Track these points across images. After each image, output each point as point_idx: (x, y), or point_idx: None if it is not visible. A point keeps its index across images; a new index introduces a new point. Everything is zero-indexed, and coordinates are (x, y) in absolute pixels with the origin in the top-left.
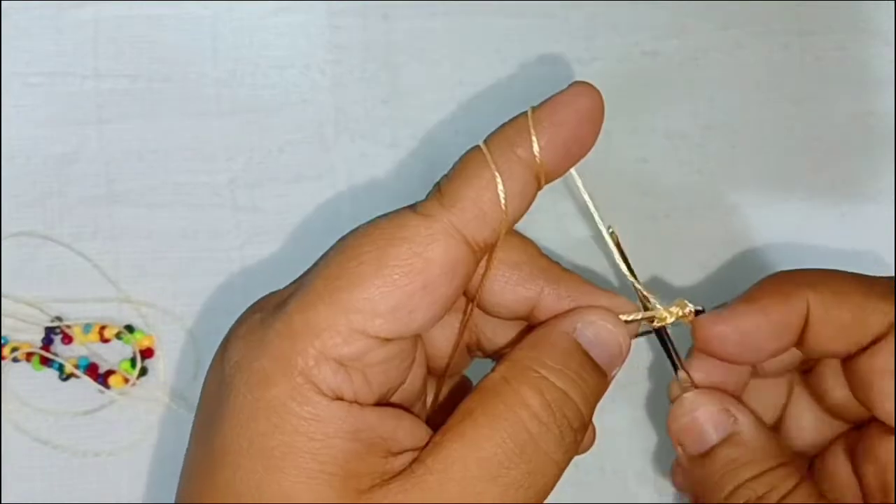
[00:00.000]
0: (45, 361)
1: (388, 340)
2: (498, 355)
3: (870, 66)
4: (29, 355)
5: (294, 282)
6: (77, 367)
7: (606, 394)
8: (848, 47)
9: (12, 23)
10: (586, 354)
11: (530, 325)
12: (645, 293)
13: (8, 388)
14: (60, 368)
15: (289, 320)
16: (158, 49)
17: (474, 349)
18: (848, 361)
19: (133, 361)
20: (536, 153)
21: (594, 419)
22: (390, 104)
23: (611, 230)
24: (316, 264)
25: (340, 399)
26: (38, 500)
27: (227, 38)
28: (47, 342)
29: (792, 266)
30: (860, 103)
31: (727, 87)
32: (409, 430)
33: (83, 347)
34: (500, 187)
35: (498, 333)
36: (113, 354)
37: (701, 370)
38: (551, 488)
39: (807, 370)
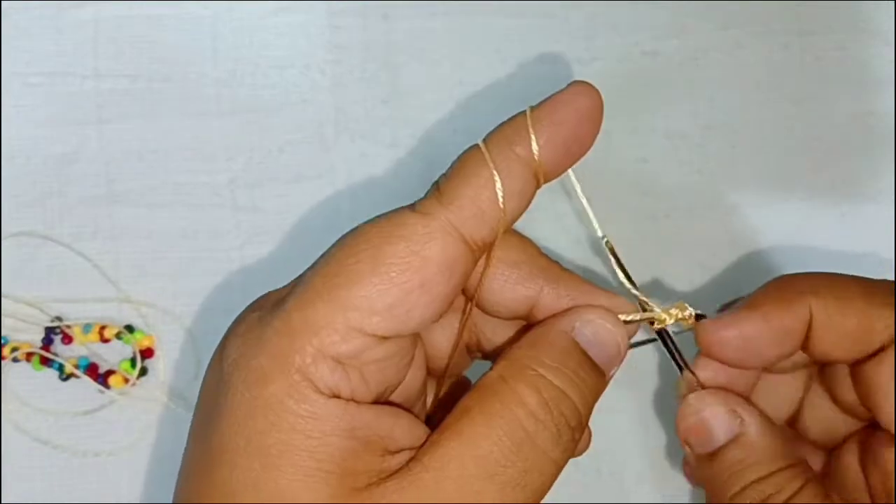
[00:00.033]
0: (45, 361)
1: (385, 338)
2: (497, 356)
3: (870, 66)
4: (29, 355)
5: (293, 280)
6: (77, 367)
7: (606, 394)
8: (848, 47)
9: (12, 23)
10: (584, 353)
11: (529, 325)
12: (643, 299)
13: (8, 388)
14: (60, 368)
15: (287, 318)
16: (158, 49)
17: (474, 350)
18: (854, 366)
19: (133, 361)
20: (535, 152)
21: (589, 422)
22: (390, 104)
23: (605, 239)
24: (315, 263)
25: (337, 397)
26: (38, 500)
27: (227, 38)
28: (47, 342)
29: (792, 266)
30: (860, 103)
31: (727, 87)
32: (407, 429)
33: (83, 347)
34: (499, 186)
35: (497, 334)
36: (113, 354)
37: (708, 370)
38: (549, 487)
39: (823, 365)
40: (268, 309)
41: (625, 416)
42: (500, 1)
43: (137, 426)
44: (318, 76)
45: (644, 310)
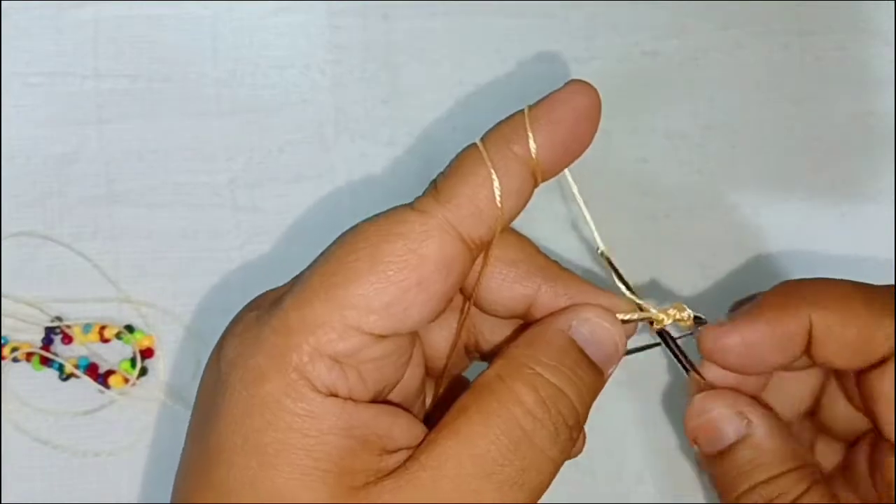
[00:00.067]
0: (45, 361)
1: (383, 337)
2: (495, 356)
3: (870, 66)
4: (29, 355)
5: (292, 280)
6: (77, 367)
7: (605, 394)
8: (848, 47)
9: (12, 23)
10: (582, 352)
11: (526, 324)
12: (639, 302)
13: (8, 388)
14: (60, 368)
15: (284, 317)
16: (158, 49)
17: (472, 350)
18: (856, 374)
19: (133, 361)
20: (533, 150)
21: (586, 423)
22: (390, 104)
23: (600, 251)
24: (313, 262)
25: (335, 396)
26: (38, 500)
27: (227, 38)
28: (47, 342)
29: (792, 265)
30: (860, 103)
31: (727, 87)
32: (405, 428)
33: (83, 347)
34: (497, 184)
35: (496, 333)
36: (113, 354)
37: (716, 370)
38: (546, 486)
39: None
40: (265, 308)
41: (624, 416)
42: (500, 1)
43: (137, 426)
44: (318, 76)
45: (643, 310)
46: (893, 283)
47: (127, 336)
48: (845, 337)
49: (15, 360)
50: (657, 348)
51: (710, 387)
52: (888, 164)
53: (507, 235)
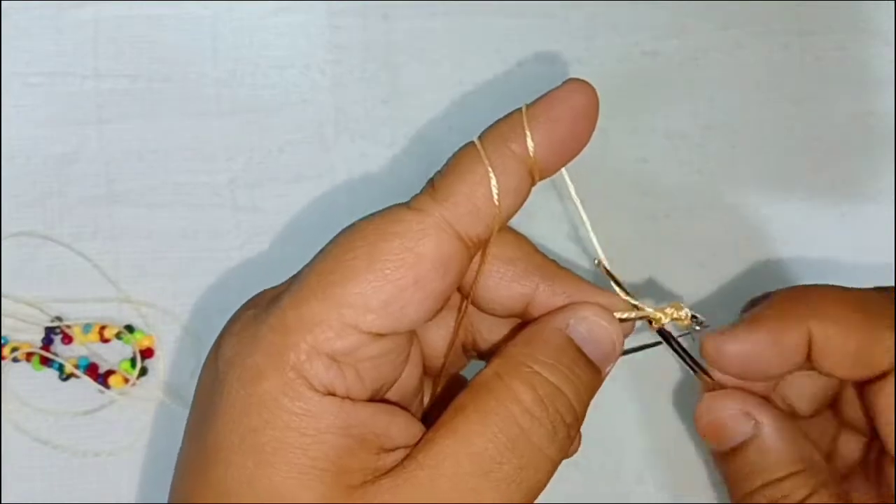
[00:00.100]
0: (45, 361)
1: (380, 336)
2: (493, 355)
3: (870, 66)
4: (29, 355)
5: (290, 278)
6: (77, 367)
7: (606, 394)
8: (848, 47)
9: (12, 23)
10: (579, 350)
11: (524, 323)
12: (635, 302)
13: (8, 388)
14: (60, 368)
15: (282, 315)
16: (158, 49)
17: (470, 349)
18: (858, 385)
19: (133, 361)
20: (531, 149)
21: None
22: (390, 104)
23: (596, 261)
24: (311, 261)
25: (332, 394)
26: (38, 500)
27: (227, 38)
28: (47, 342)
29: (792, 266)
30: (860, 103)
31: (727, 87)
32: (403, 427)
33: (83, 347)
34: (494, 183)
35: (493, 332)
36: (113, 354)
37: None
38: (544, 484)
39: None
40: (263, 307)
41: (624, 415)
42: (500, 1)
43: (137, 426)
44: (318, 76)
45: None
46: (894, 284)
47: (127, 336)
48: (845, 349)
49: (15, 360)
50: (656, 348)
51: (721, 386)
52: (888, 164)
53: (505, 234)
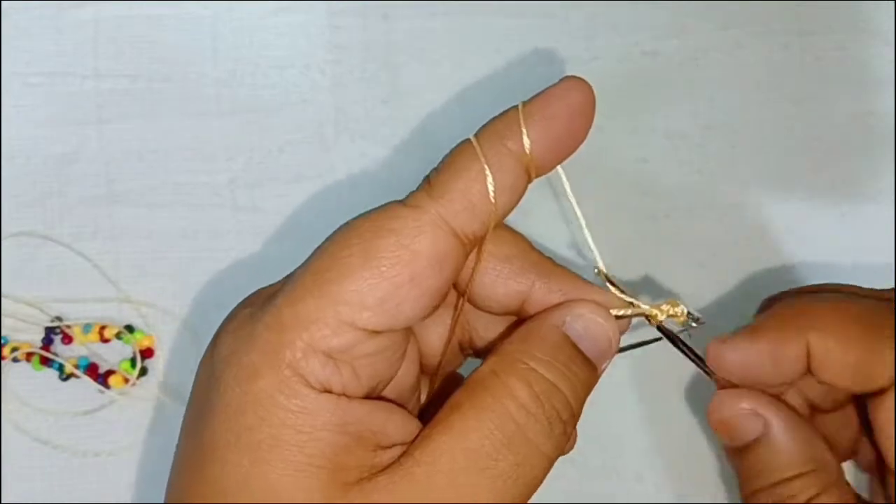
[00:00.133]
0: (45, 361)
1: (376, 333)
2: (489, 353)
3: (870, 66)
4: (29, 355)
5: (286, 276)
6: (77, 367)
7: (605, 393)
8: (848, 47)
9: (12, 23)
10: (575, 347)
11: (520, 320)
12: (633, 300)
13: (8, 388)
14: (60, 368)
15: (277, 313)
16: (158, 49)
17: (466, 347)
18: (857, 397)
19: (133, 361)
20: (527, 146)
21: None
22: (390, 104)
23: (596, 271)
24: (307, 259)
25: (329, 392)
26: (38, 500)
27: (227, 38)
28: (47, 342)
29: (792, 266)
30: (860, 103)
31: (727, 87)
32: (400, 424)
33: (83, 347)
34: (490, 180)
35: (490, 330)
36: (113, 354)
37: None
38: (541, 481)
39: None
40: (259, 305)
41: (624, 415)
42: (500, 1)
43: (137, 426)
44: (318, 76)
45: (647, 318)
46: (894, 284)
47: (127, 336)
48: (844, 363)
49: (15, 360)
50: (654, 346)
51: (733, 384)
52: (888, 164)
53: (502, 231)
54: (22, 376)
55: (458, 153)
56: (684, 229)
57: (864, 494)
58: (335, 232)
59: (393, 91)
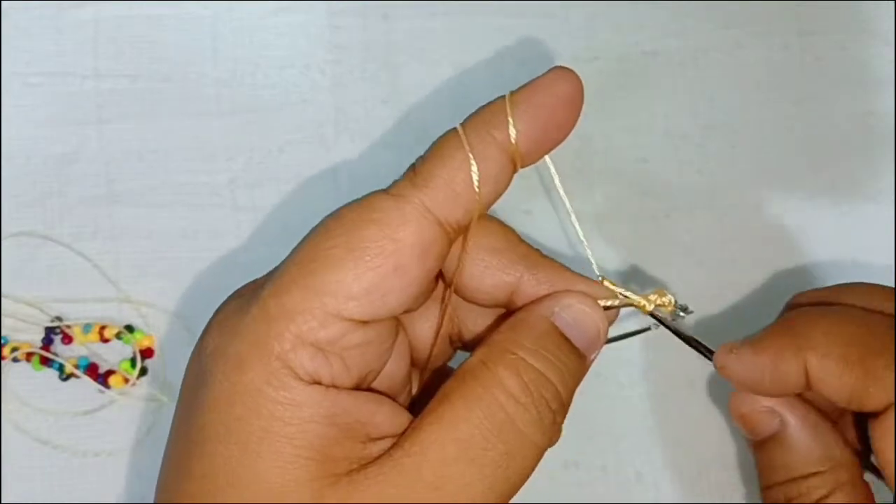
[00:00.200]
0: (45, 361)
1: (364, 323)
2: (478, 345)
3: (870, 66)
4: (29, 355)
5: (272, 269)
6: (77, 367)
7: (605, 393)
8: (848, 47)
9: (12, 23)
10: (564, 337)
11: (508, 313)
12: (622, 291)
13: (8, 388)
14: (60, 368)
15: (264, 305)
16: (158, 49)
17: (456, 340)
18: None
19: (133, 361)
20: (512, 136)
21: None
22: (390, 104)
23: (600, 277)
24: (292, 250)
25: (318, 383)
26: (38, 500)
27: (227, 38)
28: (47, 342)
29: (792, 266)
30: (860, 103)
31: (727, 87)
32: (389, 416)
33: (83, 347)
34: (474, 168)
35: (479, 323)
36: (113, 354)
37: None
38: (531, 470)
39: None
40: (246, 298)
41: (624, 415)
42: (500, 1)
43: (137, 426)
44: (318, 76)
45: (655, 317)
46: (894, 284)
47: (127, 336)
48: (841, 384)
49: (15, 360)
50: (657, 347)
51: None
52: (888, 164)
53: (490, 223)
54: (22, 376)
55: (444, 142)
56: (684, 229)
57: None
58: (319, 223)
59: (393, 91)
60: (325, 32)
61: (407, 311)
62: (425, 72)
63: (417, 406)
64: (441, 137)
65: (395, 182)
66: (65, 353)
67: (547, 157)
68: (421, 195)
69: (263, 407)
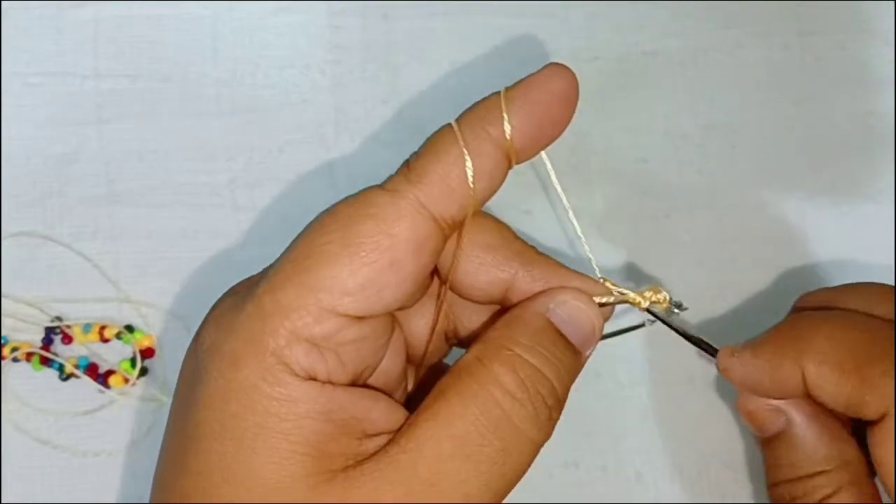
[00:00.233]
0: (45, 361)
1: (359, 319)
2: (474, 342)
3: (870, 66)
4: (29, 355)
5: (267, 266)
6: (77, 367)
7: (605, 392)
8: (848, 47)
9: (12, 23)
10: (559, 333)
11: (504, 309)
12: (618, 288)
13: (8, 388)
14: (60, 368)
15: (259, 302)
16: (158, 49)
17: (452, 337)
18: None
19: (133, 361)
20: (507, 132)
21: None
22: (390, 104)
23: (602, 279)
24: (287, 247)
25: (313, 379)
26: (38, 500)
27: (227, 38)
28: (47, 342)
29: (792, 266)
30: (860, 103)
31: (727, 87)
32: (385, 412)
33: (83, 347)
34: (469, 164)
35: (474, 320)
36: (113, 354)
37: None
38: (527, 466)
39: None
40: (241, 295)
41: (623, 415)
42: (500, 1)
43: (137, 426)
44: (318, 76)
45: (654, 314)
46: (894, 284)
47: (127, 336)
48: (839, 391)
49: (15, 360)
50: (658, 347)
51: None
52: (888, 164)
53: (485, 220)
54: (22, 376)
55: (439, 137)
56: (684, 229)
57: None
58: (315, 219)
59: (393, 91)
60: (325, 32)
61: (402, 308)
62: (425, 72)
63: (413, 402)
64: (436, 133)
65: (390, 177)
66: (65, 353)
67: (545, 156)
68: (416, 191)
69: (258, 403)
